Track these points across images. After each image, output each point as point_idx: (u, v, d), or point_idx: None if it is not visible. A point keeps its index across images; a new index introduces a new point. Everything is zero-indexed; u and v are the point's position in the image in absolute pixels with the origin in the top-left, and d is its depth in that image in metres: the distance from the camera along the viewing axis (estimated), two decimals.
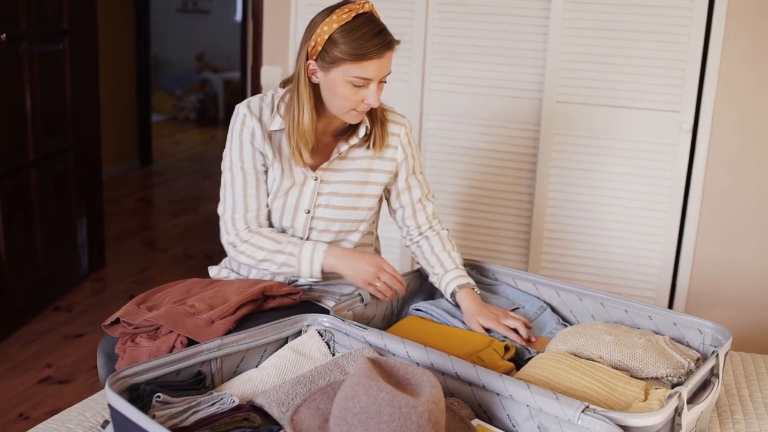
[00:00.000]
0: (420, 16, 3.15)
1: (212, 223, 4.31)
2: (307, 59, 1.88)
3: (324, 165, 2.00)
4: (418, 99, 3.22)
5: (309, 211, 2.01)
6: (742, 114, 2.92)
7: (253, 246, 1.97)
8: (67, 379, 3.13)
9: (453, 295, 2.03)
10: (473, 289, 2.03)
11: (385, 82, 1.92)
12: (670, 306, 3.12)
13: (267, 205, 2.02)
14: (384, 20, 3.21)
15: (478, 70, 3.15)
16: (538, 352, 1.81)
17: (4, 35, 3.24)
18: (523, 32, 3.07)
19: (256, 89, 3.46)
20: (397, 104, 3.21)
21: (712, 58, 2.89)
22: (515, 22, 3.07)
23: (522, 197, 3.19)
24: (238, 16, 9.07)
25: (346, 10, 1.84)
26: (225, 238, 2.02)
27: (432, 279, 2.12)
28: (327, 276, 2.04)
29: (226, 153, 2.01)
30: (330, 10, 1.86)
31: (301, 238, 2.02)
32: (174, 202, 5.88)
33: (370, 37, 1.83)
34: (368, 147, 2.02)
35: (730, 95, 2.91)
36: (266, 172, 2.01)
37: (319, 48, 1.85)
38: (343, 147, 2.00)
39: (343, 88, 1.86)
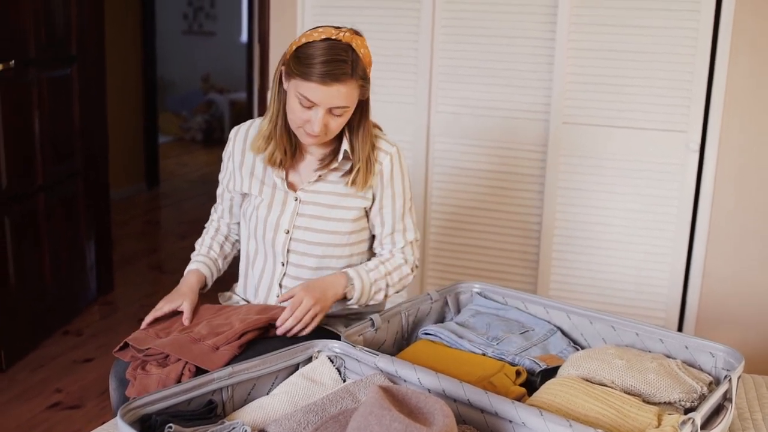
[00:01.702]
0: (426, 38, 3.16)
1: None
2: (283, 64, 1.95)
3: (305, 186, 2.04)
4: (425, 120, 3.23)
5: (288, 232, 2.04)
6: (750, 132, 2.92)
7: (204, 233, 2.27)
8: (77, 404, 3.12)
9: None
10: (346, 275, 2.02)
11: (339, 115, 1.92)
12: (680, 325, 3.11)
13: (229, 220, 2.24)
14: (390, 42, 3.24)
15: (484, 91, 3.16)
16: (548, 367, 1.81)
17: (13, 61, 3.26)
18: (529, 54, 3.08)
19: (263, 111, 3.48)
20: (404, 126, 3.24)
21: (718, 77, 2.90)
22: (521, 44, 3.08)
23: (530, 218, 3.19)
24: (243, 38, 9.12)
25: (321, 30, 1.89)
26: None
27: None
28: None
29: None
30: (317, 27, 1.92)
31: (283, 263, 2.07)
32: (182, 224, 5.88)
33: (320, 62, 1.85)
34: (347, 184, 2.02)
35: (737, 113, 2.91)
36: (243, 195, 2.14)
37: (287, 57, 1.92)
38: (324, 171, 2.03)
39: (292, 102, 1.91)
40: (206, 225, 2.29)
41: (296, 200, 2.04)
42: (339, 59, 1.85)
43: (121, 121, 6.02)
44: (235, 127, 2.16)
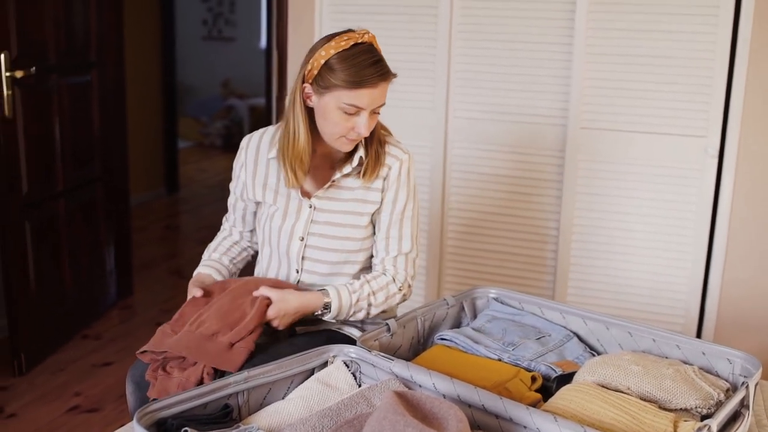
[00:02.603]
0: (443, 44, 3.17)
1: None
2: (303, 82, 1.94)
3: (319, 193, 2.04)
4: (442, 126, 3.23)
5: (303, 239, 2.05)
6: None
7: (216, 237, 2.28)
8: (96, 407, 3.14)
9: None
10: (324, 295, 1.99)
11: (378, 113, 1.95)
12: (699, 331, 3.08)
13: (242, 228, 2.24)
14: (407, 47, 3.25)
15: (501, 96, 3.16)
16: (564, 372, 1.81)
17: (34, 68, 3.29)
18: (547, 59, 3.08)
19: (281, 117, 3.49)
20: (422, 131, 3.24)
21: (737, 82, 2.88)
22: (539, 48, 3.08)
23: (548, 224, 3.18)
24: (263, 43, 9.15)
25: (345, 37, 1.90)
26: None
27: None
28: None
29: None
30: (330, 37, 1.92)
31: (297, 270, 2.08)
32: (201, 229, 5.90)
33: (364, 66, 1.87)
34: (358, 175, 2.03)
35: (757, 118, 2.89)
36: (257, 203, 2.15)
37: (315, 72, 1.90)
38: (336, 175, 2.03)
39: (334, 114, 1.90)
40: (217, 234, 2.30)
41: (311, 207, 2.05)
42: (378, 59, 1.90)
43: (140, 126, 6.05)
44: (246, 136, 2.17)
